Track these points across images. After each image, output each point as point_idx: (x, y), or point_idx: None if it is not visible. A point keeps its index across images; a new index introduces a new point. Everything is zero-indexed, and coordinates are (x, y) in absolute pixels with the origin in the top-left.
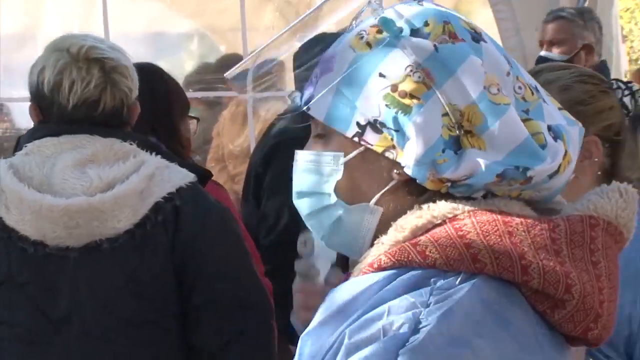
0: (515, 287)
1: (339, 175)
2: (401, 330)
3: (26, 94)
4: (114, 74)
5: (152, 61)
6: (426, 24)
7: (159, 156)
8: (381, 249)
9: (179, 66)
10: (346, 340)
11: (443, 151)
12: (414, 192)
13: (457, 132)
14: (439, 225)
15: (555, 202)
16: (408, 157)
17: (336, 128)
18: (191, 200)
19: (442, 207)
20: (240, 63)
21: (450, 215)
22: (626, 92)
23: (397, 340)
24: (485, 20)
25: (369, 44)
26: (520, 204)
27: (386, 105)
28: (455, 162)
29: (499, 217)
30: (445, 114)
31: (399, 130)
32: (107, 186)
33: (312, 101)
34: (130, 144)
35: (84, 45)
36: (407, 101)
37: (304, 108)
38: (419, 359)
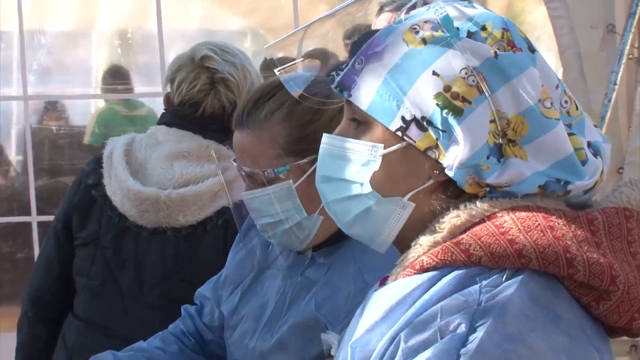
0: (558, 281)
1: (375, 166)
2: (458, 331)
3: (80, 91)
4: (219, 84)
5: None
6: (484, 28)
7: None
8: (419, 250)
9: None
10: (402, 345)
11: (487, 157)
12: (450, 193)
13: (501, 140)
14: (478, 223)
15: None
16: (451, 158)
17: (378, 119)
18: None
19: (479, 205)
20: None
21: (488, 213)
22: None
23: (456, 341)
24: (538, 18)
25: (424, 41)
26: (554, 199)
27: (437, 104)
28: (498, 169)
29: (537, 212)
30: (493, 121)
31: (446, 131)
32: (185, 183)
33: (355, 88)
34: (228, 149)
35: (202, 53)
36: (458, 103)
37: (345, 94)
38: (480, 357)
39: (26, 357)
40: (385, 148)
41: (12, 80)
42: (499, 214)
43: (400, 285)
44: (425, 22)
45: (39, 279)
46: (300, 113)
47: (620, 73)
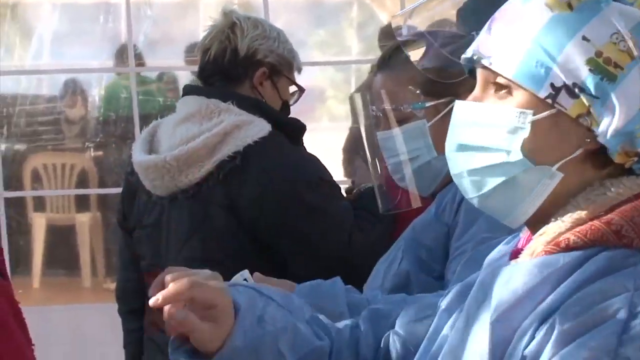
0: None
1: (525, 133)
2: (618, 316)
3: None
4: (229, 30)
5: (311, 30)
6: None
7: (242, 115)
8: (562, 227)
9: (338, 34)
10: (558, 326)
11: None
12: (597, 164)
13: None
14: (625, 202)
15: None
16: (605, 126)
17: (525, 86)
18: (256, 157)
19: (626, 183)
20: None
21: (636, 192)
22: None
23: (616, 326)
24: None
25: (569, 5)
26: None
27: (590, 70)
28: None
29: None
30: None
31: (599, 97)
32: (183, 144)
33: (495, 55)
34: (231, 103)
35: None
36: (611, 69)
37: (485, 62)
38: None
39: (129, 353)
40: (534, 115)
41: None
42: None
43: (545, 263)
44: None
45: (119, 272)
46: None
47: None
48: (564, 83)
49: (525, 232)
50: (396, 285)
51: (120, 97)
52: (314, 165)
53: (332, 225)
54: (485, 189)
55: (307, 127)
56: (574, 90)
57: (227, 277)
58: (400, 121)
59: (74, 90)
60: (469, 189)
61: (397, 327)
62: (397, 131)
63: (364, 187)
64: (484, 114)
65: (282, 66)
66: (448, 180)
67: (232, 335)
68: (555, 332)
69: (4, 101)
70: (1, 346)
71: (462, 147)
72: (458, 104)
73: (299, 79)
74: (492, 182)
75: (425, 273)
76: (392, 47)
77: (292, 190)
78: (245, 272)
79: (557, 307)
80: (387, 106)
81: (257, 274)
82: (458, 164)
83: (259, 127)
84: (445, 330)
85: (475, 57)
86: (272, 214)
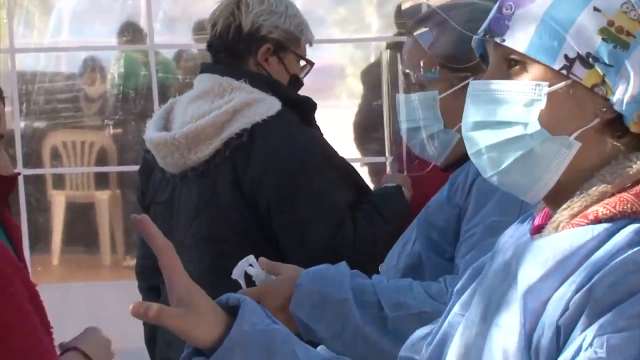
0: None
1: (541, 105)
2: None
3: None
4: (234, 6)
5: (330, 7)
6: None
7: (253, 93)
8: (588, 200)
9: (358, 12)
10: (593, 296)
11: None
12: (614, 133)
13: None
14: None
15: None
16: (620, 94)
17: (539, 59)
18: (263, 136)
19: None
20: None
21: None
22: None
23: None
24: None
25: None
26: None
27: (602, 39)
28: None
29: None
30: None
31: (613, 66)
32: (194, 121)
33: (508, 32)
34: (244, 82)
35: None
36: (624, 37)
37: (497, 40)
38: None
39: (148, 329)
40: (550, 87)
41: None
42: None
43: (573, 235)
44: None
45: (139, 249)
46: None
47: None
48: (578, 54)
49: (540, 212)
50: (409, 265)
51: (139, 75)
52: (320, 147)
53: (327, 211)
54: (503, 165)
55: (327, 105)
56: (587, 60)
57: (233, 255)
58: (418, 88)
59: (93, 67)
60: (487, 167)
61: (401, 356)
62: (410, 97)
63: (385, 185)
64: (499, 90)
65: (289, 42)
66: (458, 155)
67: (238, 320)
68: (591, 302)
69: (23, 78)
70: (15, 329)
71: (479, 125)
72: (472, 83)
73: (317, 55)
74: (511, 157)
75: (437, 254)
76: (422, 15)
77: (293, 170)
78: (251, 258)
79: (589, 278)
80: (407, 70)
81: (262, 259)
82: (476, 142)
83: (269, 106)
84: (458, 309)
85: (487, 36)
86: (272, 193)
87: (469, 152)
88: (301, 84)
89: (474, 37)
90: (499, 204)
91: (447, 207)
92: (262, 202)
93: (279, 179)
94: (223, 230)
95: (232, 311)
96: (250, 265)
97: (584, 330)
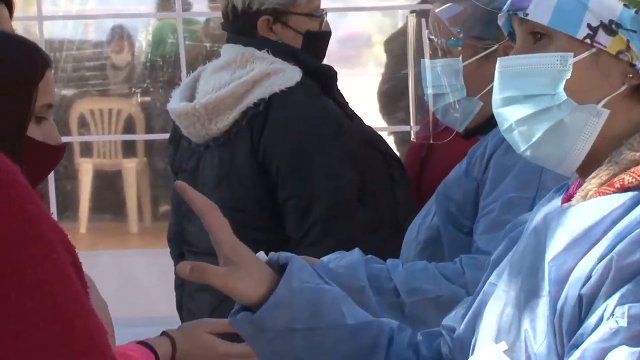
0: None
1: (567, 75)
2: None
3: None
4: None
5: None
6: None
7: (274, 63)
8: (615, 168)
9: None
10: (615, 264)
11: None
12: None
13: None
14: None
15: None
16: None
17: (563, 30)
18: (279, 106)
19: None
20: None
21: None
22: None
23: None
24: None
25: None
26: None
27: (624, 5)
28: None
29: None
30: None
31: (637, 31)
32: (215, 91)
33: (531, 6)
34: (267, 51)
35: None
36: None
37: (521, 14)
38: None
39: (179, 295)
40: (575, 57)
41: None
42: None
43: (600, 204)
44: None
45: (170, 215)
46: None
47: None
48: (600, 21)
49: (574, 181)
50: (429, 237)
51: (167, 43)
52: (334, 122)
53: (332, 189)
54: (534, 138)
55: (354, 73)
56: (610, 27)
57: (255, 226)
58: (443, 54)
59: (120, 35)
60: (519, 141)
61: (443, 324)
62: (434, 63)
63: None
64: (526, 65)
65: (285, 5)
66: (480, 123)
67: (285, 278)
68: (613, 270)
69: (51, 46)
70: (60, 294)
71: (508, 100)
72: (500, 60)
73: (344, 23)
74: (541, 129)
75: (455, 227)
76: None
77: (303, 141)
78: (261, 254)
79: (613, 246)
80: (432, 37)
81: (272, 253)
82: (506, 117)
83: (288, 76)
84: (492, 278)
85: (510, 12)
86: (279, 163)
87: (501, 130)
88: (320, 36)
89: (499, 14)
90: (517, 179)
91: (465, 181)
92: (273, 171)
93: (288, 149)
94: (243, 200)
95: (282, 270)
96: None
97: (605, 299)
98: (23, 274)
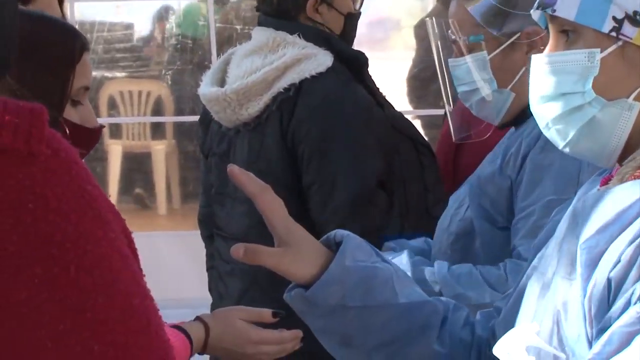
0: None
1: (595, 72)
2: None
3: None
4: None
5: None
6: None
7: (306, 48)
8: None
9: None
10: None
11: None
12: None
13: None
14: None
15: None
16: None
17: (589, 24)
18: (309, 91)
19: None
20: None
21: None
22: None
23: None
24: None
25: None
26: None
27: None
28: None
29: None
30: None
31: None
32: (246, 76)
33: (558, 3)
34: (298, 36)
35: None
36: None
37: (549, 11)
38: None
39: (211, 276)
40: (602, 52)
41: None
42: None
43: (633, 187)
44: None
45: (201, 196)
46: None
47: None
48: (625, 13)
49: (614, 166)
50: (461, 230)
51: (198, 25)
52: (363, 108)
53: (355, 177)
54: (570, 135)
55: (382, 56)
56: (635, 18)
57: None
58: (468, 51)
59: (156, 17)
60: (557, 139)
61: (495, 305)
62: (462, 60)
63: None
64: (557, 62)
65: None
66: (515, 114)
67: (338, 256)
68: None
69: (81, 28)
70: (120, 274)
71: (543, 99)
72: (533, 58)
73: (373, 6)
74: (575, 127)
75: (488, 222)
76: None
77: (332, 128)
78: None
79: None
80: (454, 35)
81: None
82: (542, 115)
83: (319, 62)
84: (535, 261)
85: (539, 9)
86: (308, 148)
87: (540, 128)
88: (357, 20)
89: (531, 12)
90: (555, 181)
91: (499, 178)
92: (300, 156)
93: (316, 134)
94: (272, 186)
95: (338, 248)
96: None
97: (633, 284)
98: (84, 250)
